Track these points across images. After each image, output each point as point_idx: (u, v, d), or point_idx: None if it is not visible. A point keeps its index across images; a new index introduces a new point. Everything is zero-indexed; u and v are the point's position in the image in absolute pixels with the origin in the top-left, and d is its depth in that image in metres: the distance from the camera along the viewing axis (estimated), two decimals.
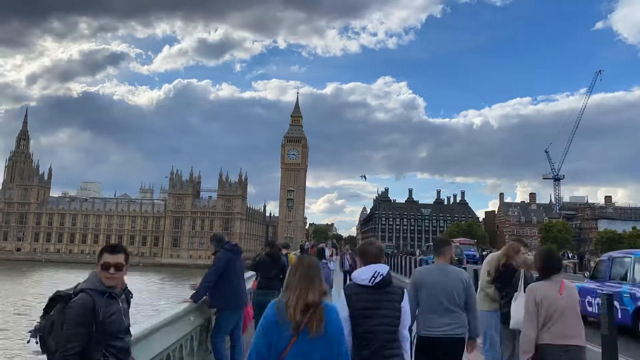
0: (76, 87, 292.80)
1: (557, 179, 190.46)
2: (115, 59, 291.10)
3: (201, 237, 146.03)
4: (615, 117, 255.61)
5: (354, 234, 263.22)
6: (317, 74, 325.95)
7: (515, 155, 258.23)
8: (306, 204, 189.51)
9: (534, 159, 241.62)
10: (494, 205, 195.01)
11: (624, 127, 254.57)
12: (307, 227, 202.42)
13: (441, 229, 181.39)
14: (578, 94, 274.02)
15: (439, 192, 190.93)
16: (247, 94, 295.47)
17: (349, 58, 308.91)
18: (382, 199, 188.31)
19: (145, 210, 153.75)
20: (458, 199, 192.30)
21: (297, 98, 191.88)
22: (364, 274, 3.49)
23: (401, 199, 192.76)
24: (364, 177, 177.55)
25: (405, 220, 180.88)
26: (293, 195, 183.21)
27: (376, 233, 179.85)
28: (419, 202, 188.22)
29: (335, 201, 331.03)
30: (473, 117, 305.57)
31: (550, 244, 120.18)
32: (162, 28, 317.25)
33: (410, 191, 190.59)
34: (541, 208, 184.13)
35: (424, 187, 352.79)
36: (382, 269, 3.50)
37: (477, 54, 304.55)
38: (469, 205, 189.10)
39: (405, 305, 3.51)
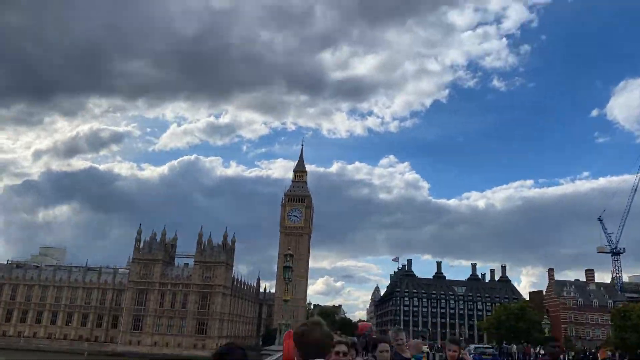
0: (78, 164, 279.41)
1: (616, 253, 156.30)
2: (120, 137, 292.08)
3: (170, 316, 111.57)
4: None
5: (364, 319, 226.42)
6: (322, 155, 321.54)
7: (520, 239, 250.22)
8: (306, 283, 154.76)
9: (538, 243, 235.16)
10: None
11: None
12: (311, 307, 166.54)
13: (479, 312, 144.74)
14: (581, 179, 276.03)
15: (474, 267, 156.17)
16: (251, 173, 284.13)
17: (354, 139, 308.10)
18: (404, 274, 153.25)
19: (104, 281, 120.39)
20: (497, 275, 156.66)
21: (302, 150, 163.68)
22: None
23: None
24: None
25: (434, 301, 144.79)
26: (292, 263, 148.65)
27: (397, 317, 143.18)
28: (449, 279, 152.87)
29: (333, 283, 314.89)
30: (476, 199, 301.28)
31: (630, 333, 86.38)
32: (170, 108, 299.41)
33: (439, 265, 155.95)
34: (602, 288, 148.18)
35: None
36: None
37: (480, 137, 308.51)
38: (512, 283, 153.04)
39: None
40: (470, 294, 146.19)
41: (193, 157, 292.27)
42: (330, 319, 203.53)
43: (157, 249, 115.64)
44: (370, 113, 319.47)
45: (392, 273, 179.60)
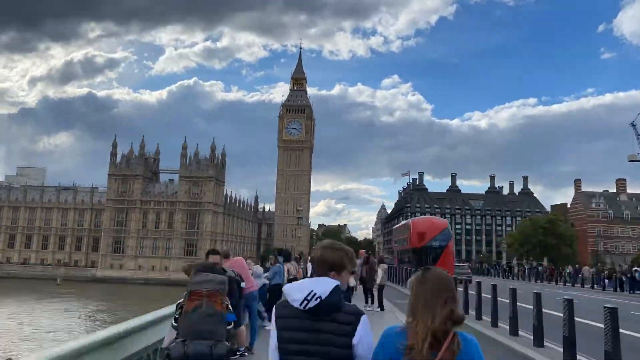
0: (75, 91, 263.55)
1: None
2: (115, 63, 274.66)
3: (155, 237, 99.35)
4: None
5: (369, 237, 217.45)
6: (324, 77, 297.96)
7: (522, 158, 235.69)
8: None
9: (542, 159, 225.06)
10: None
11: None
12: (310, 227, 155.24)
13: (499, 228, 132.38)
14: (585, 95, 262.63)
15: (492, 178, 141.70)
16: (252, 97, 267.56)
17: (356, 60, 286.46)
18: (415, 188, 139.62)
19: (80, 200, 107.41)
20: (518, 188, 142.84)
21: (300, 55, 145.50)
22: (294, 292, 2.23)
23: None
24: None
25: (448, 216, 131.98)
26: (295, 183, 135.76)
27: None
28: (465, 193, 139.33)
29: (335, 205, 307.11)
30: (479, 119, 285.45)
31: None
32: (164, 32, 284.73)
33: (454, 177, 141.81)
34: (633, 199, 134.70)
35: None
36: (324, 286, 2.21)
37: (485, 55, 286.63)
38: (535, 196, 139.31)
39: (363, 340, 2.15)
40: (489, 208, 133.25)
41: (192, 81, 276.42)
42: (336, 238, 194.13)
43: (136, 164, 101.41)
44: (374, 32, 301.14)
45: (401, 189, 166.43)
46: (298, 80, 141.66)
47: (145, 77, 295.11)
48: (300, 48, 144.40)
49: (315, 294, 2.17)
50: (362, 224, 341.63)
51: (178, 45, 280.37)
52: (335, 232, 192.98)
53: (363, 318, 2.18)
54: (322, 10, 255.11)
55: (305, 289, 2.20)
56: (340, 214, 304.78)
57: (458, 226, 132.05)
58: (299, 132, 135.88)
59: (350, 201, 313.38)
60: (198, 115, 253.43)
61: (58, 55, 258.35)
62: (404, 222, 47.83)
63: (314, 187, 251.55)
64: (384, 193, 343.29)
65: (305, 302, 2.17)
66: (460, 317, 1.97)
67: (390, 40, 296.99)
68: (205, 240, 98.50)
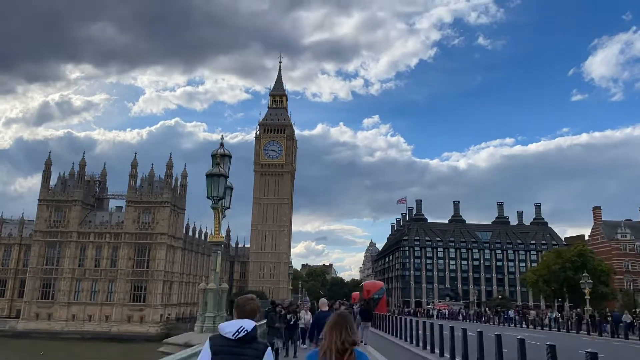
0: (50, 132, 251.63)
1: None
2: (93, 105, 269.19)
3: (94, 278, 79.39)
4: None
5: (356, 278, 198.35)
6: (305, 118, 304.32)
7: (504, 194, 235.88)
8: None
9: (520, 198, 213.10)
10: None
11: None
12: (291, 266, 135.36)
13: (511, 263, 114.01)
14: (561, 135, 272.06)
15: (500, 206, 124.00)
16: (234, 139, 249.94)
17: (338, 102, 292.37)
18: (414, 218, 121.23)
19: (7, 234, 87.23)
20: (529, 218, 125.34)
21: (280, 70, 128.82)
22: (228, 327, 3.40)
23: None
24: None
25: (452, 250, 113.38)
26: (274, 214, 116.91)
27: (405, 272, 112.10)
28: (471, 223, 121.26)
29: (314, 246, 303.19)
30: (457, 159, 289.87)
31: None
32: (143, 74, 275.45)
33: (456, 206, 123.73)
34: None
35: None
36: (249, 324, 3.44)
37: (463, 97, 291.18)
38: (551, 226, 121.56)
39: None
40: (498, 240, 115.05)
41: (173, 121, 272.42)
42: (321, 278, 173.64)
43: (73, 187, 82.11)
44: (355, 75, 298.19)
45: (394, 221, 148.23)
46: (277, 97, 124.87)
47: (124, 118, 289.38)
48: (280, 62, 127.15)
49: (244, 328, 3.32)
50: (345, 265, 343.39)
51: (158, 87, 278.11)
52: (320, 273, 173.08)
53: (268, 348, 3.41)
54: (302, 53, 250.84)
55: (236, 324, 3.35)
56: (320, 255, 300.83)
57: (464, 262, 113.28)
58: (278, 155, 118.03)
59: (329, 242, 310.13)
60: (178, 156, 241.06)
61: (35, 97, 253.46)
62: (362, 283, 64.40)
63: (293, 228, 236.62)
64: (365, 233, 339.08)
65: (237, 333, 3.30)
66: (353, 341, 3.04)
67: (371, 82, 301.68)
68: (156, 282, 78.64)
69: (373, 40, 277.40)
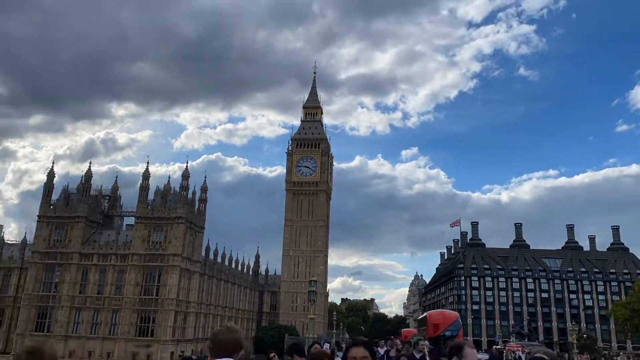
0: (95, 168, 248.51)
1: None
2: (136, 141, 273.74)
3: (96, 307, 67.98)
4: None
5: (401, 314, 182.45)
6: (343, 151, 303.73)
7: (550, 227, 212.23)
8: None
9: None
10: None
11: None
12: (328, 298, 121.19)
13: (587, 295, 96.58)
14: (608, 167, 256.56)
15: (570, 229, 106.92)
16: (273, 172, 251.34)
17: (376, 135, 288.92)
18: (470, 244, 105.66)
19: (6, 257, 77.28)
20: (606, 241, 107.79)
21: (314, 80, 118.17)
22: None
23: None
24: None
25: (516, 280, 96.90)
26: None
27: (461, 305, 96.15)
28: (534, 248, 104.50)
29: (352, 282, 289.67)
30: (500, 191, 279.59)
31: None
32: (185, 111, 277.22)
33: (519, 228, 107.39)
34: None
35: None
36: None
37: (503, 129, 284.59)
38: (632, 252, 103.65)
39: None
40: (570, 269, 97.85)
41: (214, 156, 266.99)
42: (362, 313, 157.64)
43: (77, 201, 71.75)
44: (394, 108, 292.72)
45: (445, 248, 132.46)
46: (311, 109, 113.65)
47: (166, 154, 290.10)
48: (315, 72, 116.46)
49: None
50: (386, 302, 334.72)
51: (200, 124, 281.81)
52: (361, 308, 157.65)
53: None
54: (339, 87, 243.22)
55: None
56: (357, 291, 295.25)
57: (531, 294, 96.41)
58: (312, 172, 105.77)
59: (366, 277, 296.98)
60: (217, 190, 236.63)
61: (83, 134, 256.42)
62: (422, 315, 44.47)
63: (329, 261, 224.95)
64: (406, 269, 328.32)
65: None
66: None
67: (409, 115, 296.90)
68: (167, 312, 66.30)
69: (411, 74, 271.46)
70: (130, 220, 77.88)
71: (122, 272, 68.52)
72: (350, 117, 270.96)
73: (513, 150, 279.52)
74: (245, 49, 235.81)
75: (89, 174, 73.17)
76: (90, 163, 75.23)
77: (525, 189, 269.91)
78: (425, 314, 40.53)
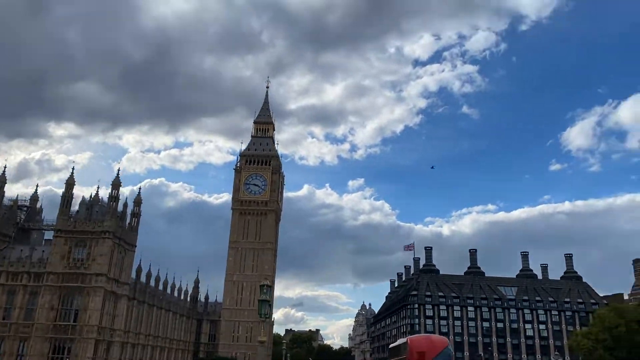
0: (29, 190, 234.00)
1: None
2: (74, 163, 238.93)
3: (2, 335, 57.68)
4: None
5: (346, 346, 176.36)
6: (291, 179, 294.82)
7: (488, 260, 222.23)
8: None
9: (506, 265, 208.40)
10: None
11: None
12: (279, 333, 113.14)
13: (542, 325, 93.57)
14: (543, 203, 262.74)
15: (525, 256, 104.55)
16: (218, 199, 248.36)
17: (324, 166, 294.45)
18: (424, 270, 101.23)
19: None
20: (558, 271, 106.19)
21: (267, 93, 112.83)
22: None
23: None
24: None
25: (471, 309, 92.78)
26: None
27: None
28: (489, 276, 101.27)
29: (294, 313, 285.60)
30: (441, 224, 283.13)
31: None
32: (127, 133, 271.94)
33: (473, 255, 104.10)
34: None
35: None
36: None
37: (447, 163, 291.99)
38: (585, 280, 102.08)
39: None
40: (526, 297, 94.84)
41: (157, 181, 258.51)
42: (307, 345, 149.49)
43: None
44: (343, 140, 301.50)
45: (395, 275, 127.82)
46: (262, 125, 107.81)
47: (106, 177, 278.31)
48: (267, 87, 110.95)
49: None
50: (329, 333, 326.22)
51: (143, 148, 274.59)
52: (306, 339, 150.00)
53: None
54: (288, 117, 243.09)
55: None
56: (299, 323, 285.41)
57: (486, 324, 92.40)
58: (262, 190, 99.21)
59: (309, 308, 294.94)
60: (159, 215, 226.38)
61: (17, 154, 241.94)
62: (400, 341, 36.46)
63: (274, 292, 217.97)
64: (350, 300, 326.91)
65: None
66: None
67: (357, 147, 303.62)
68: (87, 341, 57.15)
69: (360, 107, 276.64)
70: (51, 235, 68.57)
71: (34, 294, 58.97)
72: (300, 146, 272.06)
73: (454, 184, 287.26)
74: (193, 73, 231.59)
75: (3, 178, 63.70)
76: (5, 167, 65.71)
77: (465, 222, 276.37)
78: (405, 340, 31.87)
